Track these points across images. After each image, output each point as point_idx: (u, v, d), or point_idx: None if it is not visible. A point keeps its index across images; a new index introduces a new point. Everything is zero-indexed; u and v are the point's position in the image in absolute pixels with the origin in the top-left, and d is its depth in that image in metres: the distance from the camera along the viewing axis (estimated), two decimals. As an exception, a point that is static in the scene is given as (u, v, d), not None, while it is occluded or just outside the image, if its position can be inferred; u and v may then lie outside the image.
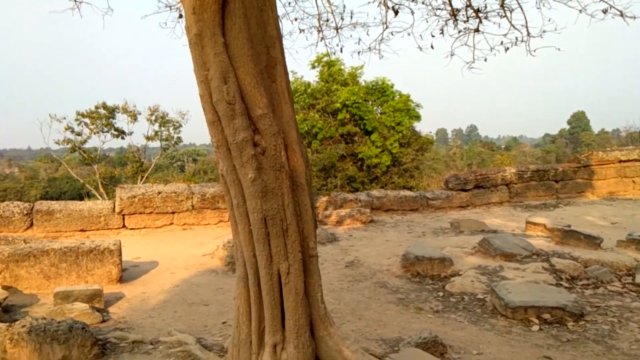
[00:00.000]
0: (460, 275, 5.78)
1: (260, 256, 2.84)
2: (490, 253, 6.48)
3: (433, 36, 5.05)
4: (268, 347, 2.91)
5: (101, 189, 18.78)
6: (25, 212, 8.38)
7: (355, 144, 19.58)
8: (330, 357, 2.96)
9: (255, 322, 2.95)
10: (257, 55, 2.83)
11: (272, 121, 2.79)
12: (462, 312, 4.80)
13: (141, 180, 18.89)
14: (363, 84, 19.94)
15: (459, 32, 5.14)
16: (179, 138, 19.80)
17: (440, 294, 5.32)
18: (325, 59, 19.56)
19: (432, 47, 5.24)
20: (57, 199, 17.30)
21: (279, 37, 3.04)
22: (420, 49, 5.38)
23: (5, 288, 5.21)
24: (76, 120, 18.35)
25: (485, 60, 5.17)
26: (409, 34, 5.23)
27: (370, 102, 19.94)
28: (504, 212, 10.86)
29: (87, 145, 18.95)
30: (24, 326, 3.59)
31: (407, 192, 11.17)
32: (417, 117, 20.00)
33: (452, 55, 5.18)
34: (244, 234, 2.88)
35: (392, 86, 19.95)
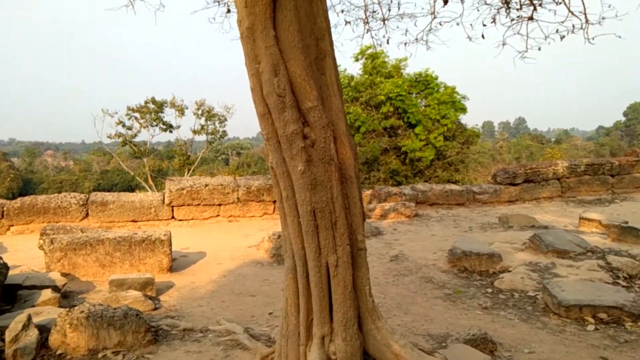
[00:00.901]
0: (509, 271, 5.61)
1: (309, 248, 2.85)
2: (541, 249, 6.26)
3: (484, 25, 4.89)
4: (316, 338, 2.92)
5: (150, 181, 19.39)
6: (81, 202, 8.77)
7: (398, 137, 19.35)
8: (378, 351, 2.95)
9: (303, 314, 2.97)
10: (306, 47, 2.82)
11: (321, 113, 2.78)
12: (512, 309, 4.67)
13: (188, 173, 19.38)
14: (407, 76, 19.64)
15: (512, 20, 4.96)
16: (224, 132, 20.18)
17: (489, 290, 5.19)
18: (369, 51, 19.39)
19: (482, 36, 5.08)
20: (108, 191, 18.03)
21: (328, 29, 3.02)
22: (470, 39, 5.22)
23: (64, 275, 5.47)
24: (127, 115, 19.00)
25: (539, 49, 4.98)
26: (458, 24, 5.09)
27: (414, 95, 19.64)
28: (555, 207, 10.47)
29: (137, 139, 19.59)
30: (82, 312, 3.75)
31: (453, 186, 10.95)
32: (463, 110, 19.53)
33: (503, 44, 5.02)
34: (293, 226, 2.89)
35: (436, 78, 19.56)
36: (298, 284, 2.97)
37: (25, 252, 7.11)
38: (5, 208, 8.57)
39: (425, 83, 19.56)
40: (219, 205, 9.28)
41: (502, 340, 3.93)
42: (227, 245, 7.57)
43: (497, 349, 3.71)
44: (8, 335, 3.54)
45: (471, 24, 5.04)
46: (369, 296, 3.02)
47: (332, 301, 2.93)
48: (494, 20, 4.93)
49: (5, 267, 4.58)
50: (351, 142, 3.08)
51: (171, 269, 6.05)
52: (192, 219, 9.15)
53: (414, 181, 18.45)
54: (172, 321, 4.30)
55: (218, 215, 9.31)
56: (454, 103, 19.23)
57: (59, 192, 9.20)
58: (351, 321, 2.90)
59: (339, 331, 2.88)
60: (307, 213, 2.79)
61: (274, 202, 9.57)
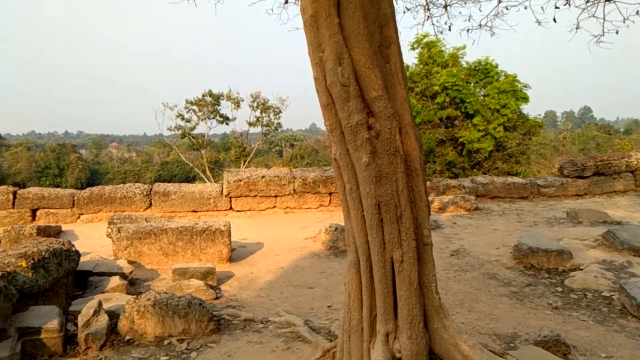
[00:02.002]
0: (581, 269, 5.29)
1: (373, 243, 2.77)
2: (616, 247, 5.86)
3: (557, 8, 4.59)
4: (380, 335, 2.85)
5: (208, 173, 19.93)
6: (145, 193, 9.10)
7: (455, 128, 18.78)
8: (445, 351, 2.83)
9: (366, 310, 2.89)
10: (371, 34, 2.72)
11: (386, 103, 2.68)
12: (585, 310, 4.39)
13: (243, 164, 19.75)
14: (465, 65, 18.99)
15: (587, 2, 4.62)
16: (279, 124, 20.38)
17: (559, 289, 4.91)
18: (425, 40, 18.90)
19: (554, 20, 4.77)
20: (168, 181, 18.65)
21: (393, 15, 2.90)
22: (539, 23, 4.92)
23: (130, 262, 5.68)
24: (185, 107, 19.58)
25: (617, 32, 4.62)
26: (525, 8, 4.80)
27: (472, 84, 18.97)
28: (629, 202, 9.80)
29: (195, 132, 20.14)
30: (149, 299, 3.86)
31: (516, 179, 10.49)
32: (525, 99, 18.66)
33: (577, 28, 4.69)
34: (356, 220, 2.82)
35: (496, 66, 18.77)
36: (361, 279, 2.90)
37: (94, 239, 7.46)
38: (75, 197, 9.04)
39: (484, 72, 18.84)
40: (275, 196, 9.36)
41: (575, 342, 3.70)
42: (284, 236, 7.62)
43: (570, 352, 3.50)
44: (80, 320, 3.69)
45: (542, 7, 4.75)
46: (435, 293, 2.91)
47: (396, 297, 2.84)
48: (568, 3, 4.62)
49: (77, 254, 4.80)
50: (416, 133, 2.96)
51: (230, 259, 6.15)
52: (249, 210, 9.29)
53: (471, 173, 17.88)
54: (234, 311, 4.35)
55: (274, 207, 9.39)
56: (515, 92, 18.40)
57: (123, 183, 9.61)
58: (417, 319, 2.80)
59: (404, 329, 2.79)
60: (372, 206, 2.71)
61: (330, 194, 9.54)
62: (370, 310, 2.90)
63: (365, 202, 2.73)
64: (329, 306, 4.63)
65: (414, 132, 2.91)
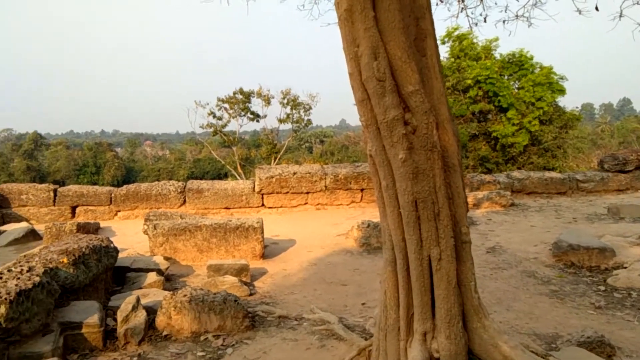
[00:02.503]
0: (624, 267, 5.09)
1: (409, 240, 2.72)
2: (662, 244, 5.62)
3: (601, -5, 4.40)
4: (417, 334, 2.79)
5: (239, 169, 20.13)
6: (179, 190, 9.26)
7: (488, 122, 18.37)
8: (484, 352, 2.76)
9: (403, 308, 2.84)
10: (406, 27, 2.66)
11: (423, 98, 2.62)
12: (630, 309, 4.22)
13: (274, 161, 19.86)
14: (498, 57, 18.54)
15: (633, -12, 4.43)
16: (309, 120, 20.39)
17: (602, 288, 4.74)
18: (456, 32, 18.56)
19: (596, 8, 4.59)
20: (201, 179, 18.94)
21: (429, 6, 2.83)
22: (580, 12, 4.74)
23: (166, 259, 5.77)
24: (217, 105, 19.82)
25: (665, 19, 4.40)
26: (565, -4, 4.64)
27: (506, 77, 18.51)
28: (674, 197, 9.39)
29: (226, 129, 20.36)
30: (185, 295, 3.91)
31: (553, 174, 10.19)
32: (562, 91, 18.09)
33: (620, 16, 4.49)
34: (392, 217, 2.77)
35: (531, 58, 18.25)
36: (398, 277, 2.85)
37: (130, 236, 7.63)
38: (113, 195, 9.27)
39: (518, 64, 18.35)
40: (307, 193, 9.37)
41: (620, 344, 3.56)
42: (316, 233, 7.61)
43: (615, 354, 3.36)
44: (120, 316, 3.77)
45: (584, -5, 4.57)
46: (474, 292, 2.83)
47: (434, 296, 2.78)
48: (612, -11, 4.43)
49: (116, 250, 4.91)
50: (454, 127, 2.89)
51: (263, 256, 6.18)
52: (281, 206, 9.32)
53: (505, 168, 17.48)
54: (268, 308, 4.37)
55: (306, 203, 9.40)
56: (551, 84, 17.86)
57: (157, 180, 9.80)
58: (455, 318, 2.73)
59: (442, 328, 2.73)
60: (408, 203, 2.66)
61: (362, 190, 9.49)
62: (407, 309, 2.85)
63: (402, 199, 2.67)
64: (362, 304, 4.60)
65: (451, 127, 2.84)
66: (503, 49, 23.16)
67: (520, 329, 3.90)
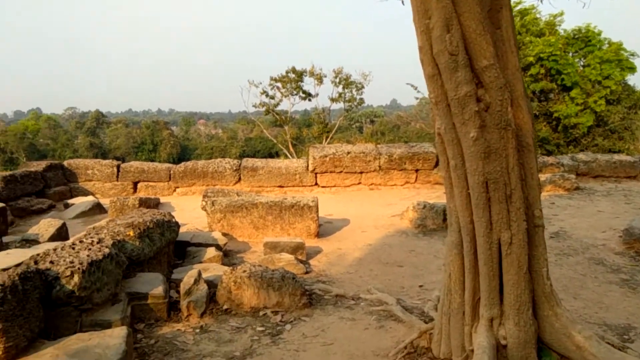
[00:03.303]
0: None
1: (478, 223, 2.61)
2: None
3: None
4: (483, 320, 2.70)
5: (291, 149, 20.24)
6: (234, 168, 9.42)
7: (550, 102, 17.48)
8: (556, 340, 2.63)
9: (469, 293, 2.75)
10: (481, -2, 2.50)
11: (498, 73, 2.48)
12: None
13: (326, 140, 19.83)
14: (562, 33, 17.50)
15: None
16: (361, 99, 20.15)
17: (679, 278, 4.43)
18: (517, 7, 17.65)
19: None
20: (252, 157, 19.19)
21: (505, -25, 2.65)
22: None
23: (224, 235, 5.89)
24: (270, 84, 19.91)
25: None
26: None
27: (570, 54, 17.48)
28: None
29: (278, 108, 20.47)
30: (244, 271, 3.97)
31: (623, 157, 9.59)
32: (631, 69, 16.90)
33: None
34: (461, 198, 2.66)
35: (599, 33, 17.11)
36: (464, 261, 2.76)
37: (188, 211, 7.84)
38: (172, 171, 9.56)
39: (584, 40, 17.25)
40: (361, 173, 9.29)
41: (702, 339, 3.31)
42: (370, 213, 7.55)
43: (697, 349, 3.13)
44: (182, 288, 3.88)
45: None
46: (546, 279, 2.70)
47: (502, 281, 2.67)
48: None
49: (177, 225, 5.05)
50: (528, 105, 2.73)
51: (318, 235, 6.19)
52: (334, 185, 9.30)
53: (566, 150, 16.64)
54: (324, 286, 4.37)
55: (359, 183, 9.33)
56: (620, 61, 16.70)
57: (210, 158, 10.00)
58: (525, 305, 2.62)
59: (511, 315, 2.62)
60: (479, 184, 2.54)
61: (416, 170, 9.30)
62: (472, 293, 2.75)
63: (472, 179, 2.56)
64: (420, 286, 4.52)
65: (526, 104, 2.69)
66: (568, 24, 21.85)
67: (589, 318, 3.70)
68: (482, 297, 2.72)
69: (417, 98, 20.81)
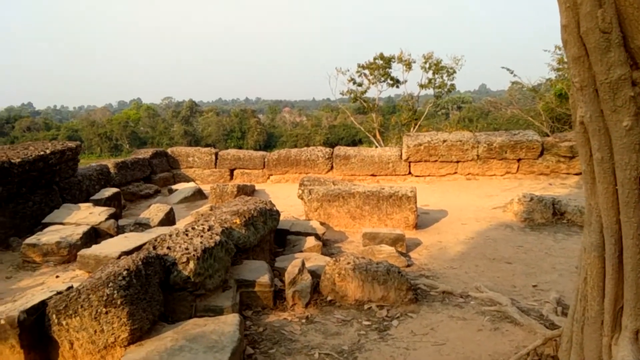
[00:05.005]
0: None
1: (627, 224, 2.30)
2: None
3: None
4: (628, 332, 2.40)
5: (378, 136, 19.96)
6: (326, 156, 9.41)
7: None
8: None
9: (610, 300, 2.45)
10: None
11: (659, 52, 2.14)
12: None
13: (414, 127, 19.32)
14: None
15: None
16: (452, 85, 19.33)
17: None
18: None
19: None
20: (335, 144, 19.20)
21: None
22: None
23: (321, 224, 5.87)
24: (357, 72, 19.68)
25: None
26: None
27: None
28: None
29: (364, 95, 20.20)
30: (348, 263, 3.90)
31: None
32: None
33: None
34: (605, 195, 2.36)
35: None
36: (605, 265, 2.46)
37: (283, 199, 7.94)
38: (266, 159, 9.78)
39: None
40: (457, 162, 8.89)
41: None
42: (468, 204, 7.20)
43: None
44: (287, 277, 3.89)
45: None
46: None
47: (653, 290, 2.35)
48: None
49: (278, 213, 5.10)
50: (691, 88, 2.34)
51: (416, 226, 5.99)
52: (428, 175, 9.00)
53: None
54: (430, 282, 4.19)
55: (455, 173, 8.94)
56: None
57: (295, 146, 10.09)
58: (682, 319, 2.28)
59: (663, 328, 2.30)
60: (630, 180, 2.23)
61: (518, 160, 8.73)
62: (614, 301, 2.45)
63: (622, 174, 2.25)
64: (534, 285, 4.19)
65: (688, 87, 2.31)
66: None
67: None
68: (627, 306, 2.41)
69: (512, 82, 19.58)
